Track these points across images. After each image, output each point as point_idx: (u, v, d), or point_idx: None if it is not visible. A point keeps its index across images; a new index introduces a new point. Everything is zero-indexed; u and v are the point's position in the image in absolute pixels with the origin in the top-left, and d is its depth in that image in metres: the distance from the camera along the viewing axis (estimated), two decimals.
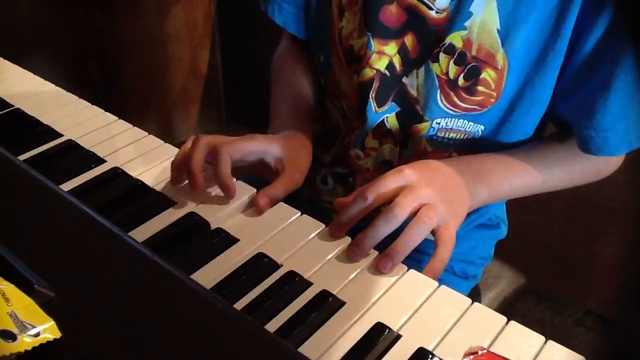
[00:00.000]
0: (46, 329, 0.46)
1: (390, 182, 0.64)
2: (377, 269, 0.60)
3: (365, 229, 0.62)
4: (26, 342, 0.45)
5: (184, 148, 0.70)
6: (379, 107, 0.76)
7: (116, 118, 0.84)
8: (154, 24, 1.76)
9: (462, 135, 0.76)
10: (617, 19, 0.65)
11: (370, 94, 0.75)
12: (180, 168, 0.69)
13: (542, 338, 0.55)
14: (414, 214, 0.63)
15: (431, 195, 0.63)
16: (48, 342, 0.46)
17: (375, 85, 0.75)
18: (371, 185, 0.64)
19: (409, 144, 0.78)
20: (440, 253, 0.62)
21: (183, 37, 1.81)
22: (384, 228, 0.62)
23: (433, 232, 0.63)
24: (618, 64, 0.66)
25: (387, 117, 0.77)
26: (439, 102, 0.73)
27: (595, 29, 0.66)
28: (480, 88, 0.71)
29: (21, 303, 0.47)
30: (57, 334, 0.46)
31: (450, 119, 0.74)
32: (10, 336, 0.44)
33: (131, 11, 1.73)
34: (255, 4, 0.88)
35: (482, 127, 0.75)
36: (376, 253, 0.62)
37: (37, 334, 0.46)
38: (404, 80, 0.75)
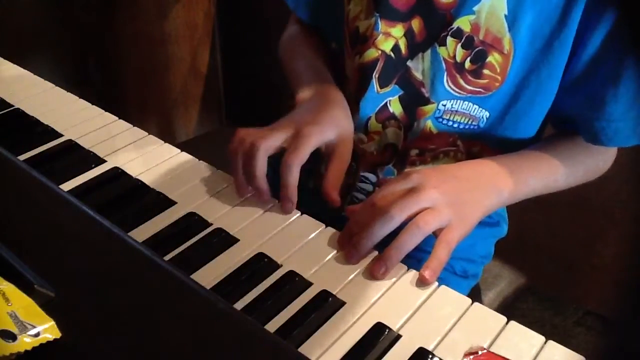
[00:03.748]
0: (46, 329, 0.46)
1: (397, 186, 0.64)
2: (371, 274, 0.60)
3: (361, 230, 0.62)
4: (26, 342, 0.45)
5: (242, 151, 0.68)
6: (381, 88, 0.76)
7: (116, 118, 0.84)
8: (154, 24, 1.76)
9: (467, 120, 0.76)
10: (623, 12, 0.65)
11: (374, 75, 0.76)
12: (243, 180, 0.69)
13: (542, 338, 0.55)
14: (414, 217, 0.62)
15: (436, 199, 0.62)
16: (48, 342, 0.46)
17: (380, 65, 0.75)
18: (378, 192, 0.64)
19: (414, 127, 0.78)
20: (435, 252, 0.61)
21: (183, 37, 1.81)
22: (379, 230, 0.61)
23: (436, 234, 0.63)
24: (627, 55, 0.67)
25: (389, 100, 0.77)
26: (445, 84, 0.73)
27: (603, 21, 0.66)
28: (486, 71, 0.72)
29: (21, 303, 0.47)
30: (57, 334, 0.46)
31: (455, 100, 0.74)
32: (10, 336, 0.44)
33: (131, 11, 1.73)
34: (255, 4, 0.89)
35: (487, 114, 0.75)
36: (376, 253, 0.62)
37: (37, 334, 0.46)
38: (409, 63, 0.75)
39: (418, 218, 0.61)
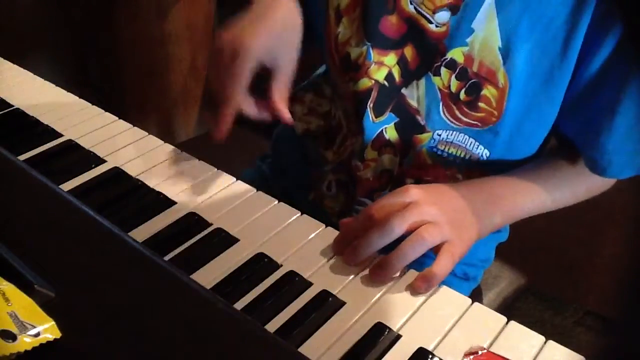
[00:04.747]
0: (46, 329, 0.46)
1: (394, 199, 0.63)
2: (372, 280, 0.60)
3: (360, 238, 0.61)
4: (26, 342, 0.45)
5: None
6: (376, 118, 0.75)
7: (116, 118, 0.84)
8: (154, 24, 1.75)
9: (463, 154, 0.75)
10: (624, 41, 0.64)
11: (368, 104, 0.75)
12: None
13: (542, 338, 0.55)
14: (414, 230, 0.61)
15: (436, 215, 0.62)
16: (48, 342, 0.46)
17: (374, 95, 0.74)
18: (376, 203, 0.64)
19: (410, 154, 0.77)
20: (439, 260, 0.60)
21: (183, 38, 1.81)
22: (379, 239, 0.60)
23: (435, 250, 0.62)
24: (624, 86, 0.65)
25: (385, 127, 0.76)
26: (441, 113, 0.73)
27: (602, 50, 0.65)
28: (481, 104, 0.70)
29: (21, 303, 0.47)
30: (57, 334, 0.46)
31: (451, 131, 0.73)
32: (10, 336, 0.44)
33: (131, 11, 1.73)
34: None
35: (487, 153, 0.74)
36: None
37: (37, 334, 0.46)
38: (403, 91, 0.74)
39: (422, 230, 0.61)
